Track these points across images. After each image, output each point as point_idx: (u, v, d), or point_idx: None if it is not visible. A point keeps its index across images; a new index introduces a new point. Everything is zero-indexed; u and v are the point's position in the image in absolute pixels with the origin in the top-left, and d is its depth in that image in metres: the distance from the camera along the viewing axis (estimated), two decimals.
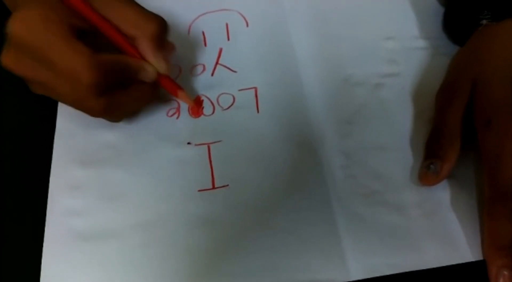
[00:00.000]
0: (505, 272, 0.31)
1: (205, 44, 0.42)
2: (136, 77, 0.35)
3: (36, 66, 0.33)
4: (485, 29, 0.39)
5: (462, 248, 0.33)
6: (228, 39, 0.43)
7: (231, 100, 0.40)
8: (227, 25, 0.43)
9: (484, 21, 0.39)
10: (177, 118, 0.39)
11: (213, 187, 0.36)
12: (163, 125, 0.38)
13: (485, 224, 0.33)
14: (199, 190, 0.36)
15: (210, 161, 0.37)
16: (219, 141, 0.38)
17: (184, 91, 0.38)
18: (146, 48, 0.35)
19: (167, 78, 0.37)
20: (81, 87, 0.32)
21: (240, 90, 0.40)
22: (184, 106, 0.39)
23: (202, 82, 0.41)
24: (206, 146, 0.38)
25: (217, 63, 0.41)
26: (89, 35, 0.34)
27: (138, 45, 0.35)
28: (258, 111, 0.39)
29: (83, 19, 0.34)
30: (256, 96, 0.40)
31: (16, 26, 0.32)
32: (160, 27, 0.35)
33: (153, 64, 0.35)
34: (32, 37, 0.32)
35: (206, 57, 0.42)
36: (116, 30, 0.34)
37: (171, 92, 0.38)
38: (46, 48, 0.32)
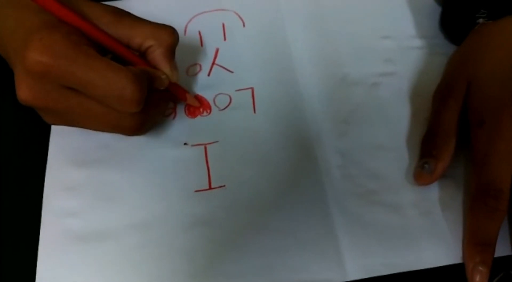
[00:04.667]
0: (481, 268, 0.31)
1: (202, 44, 0.42)
2: (151, 87, 0.34)
3: (66, 94, 0.31)
4: (482, 28, 0.39)
5: (459, 248, 0.33)
6: (225, 39, 0.43)
7: (228, 101, 0.40)
8: (223, 25, 0.43)
9: (481, 20, 0.39)
10: (174, 118, 0.39)
11: (210, 188, 0.36)
12: (160, 125, 0.38)
13: (467, 220, 0.33)
14: (195, 191, 0.36)
15: (207, 162, 0.37)
16: (216, 141, 0.38)
17: (191, 94, 0.39)
18: (161, 57, 0.34)
19: (175, 83, 0.36)
20: (125, 104, 0.31)
21: (237, 90, 0.40)
22: (181, 106, 0.39)
23: (199, 83, 0.40)
24: (202, 146, 0.37)
25: (213, 63, 0.41)
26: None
27: (151, 54, 0.34)
28: (254, 112, 0.39)
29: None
30: (252, 96, 0.40)
31: (37, 54, 0.29)
32: (174, 36, 0.35)
33: (166, 72, 0.35)
34: (63, 63, 0.30)
35: (203, 57, 0.42)
36: (122, 44, 0.33)
37: (180, 97, 0.38)
38: (83, 71, 0.30)
